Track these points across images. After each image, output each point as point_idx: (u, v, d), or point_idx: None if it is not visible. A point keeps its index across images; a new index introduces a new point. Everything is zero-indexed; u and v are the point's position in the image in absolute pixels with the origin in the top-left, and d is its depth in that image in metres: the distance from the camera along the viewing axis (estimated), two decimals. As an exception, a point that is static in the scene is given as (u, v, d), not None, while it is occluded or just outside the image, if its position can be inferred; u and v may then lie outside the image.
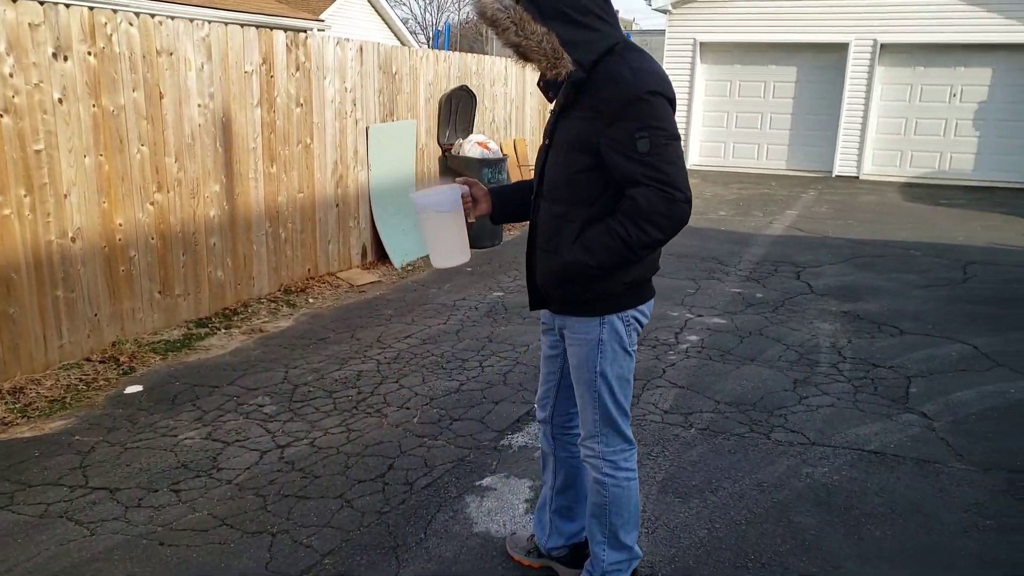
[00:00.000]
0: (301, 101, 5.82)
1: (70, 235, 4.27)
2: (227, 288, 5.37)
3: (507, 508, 3.03)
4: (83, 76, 4.25)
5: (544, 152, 2.19)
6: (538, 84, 2.20)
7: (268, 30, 5.49)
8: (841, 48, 13.46)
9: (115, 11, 4.47)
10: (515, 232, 8.39)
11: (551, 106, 2.26)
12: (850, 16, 13.25)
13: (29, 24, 3.95)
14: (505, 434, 3.64)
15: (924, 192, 12.30)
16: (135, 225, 4.66)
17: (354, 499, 3.08)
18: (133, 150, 4.58)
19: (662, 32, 16.95)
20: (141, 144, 4.63)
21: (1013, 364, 4.58)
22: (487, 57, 8.69)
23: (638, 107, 1.95)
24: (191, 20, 4.91)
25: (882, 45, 13.30)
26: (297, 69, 5.73)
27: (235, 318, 5.31)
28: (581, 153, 2.05)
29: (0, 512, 2.97)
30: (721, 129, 14.80)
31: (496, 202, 2.40)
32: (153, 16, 4.67)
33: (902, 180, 13.64)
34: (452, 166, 7.74)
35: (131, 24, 4.50)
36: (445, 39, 17.27)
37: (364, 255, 6.82)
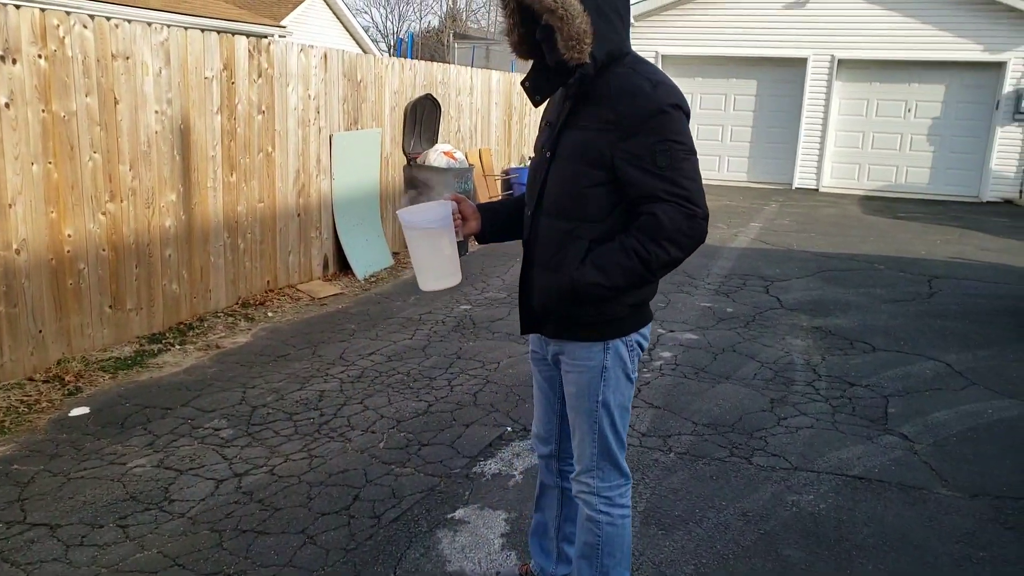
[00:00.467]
0: (263, 108, 5.60)
1: (14, 247, 4.00)
2: (182, 302, 5.12)
3: (482, 544, 2.86)
4: (33, 80, 4.00)
5: (545, 165, 2.04)
6: (523, 83, 2.05)
7: (230, 35, 5.27)
8: (800, 63, 13.62)
9: (68, 13, 4.22)
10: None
11: (537, 116, 2.12)
12: (809, 32, 13.41)
13: (-31, 22, 3.69)
14: (477, 460, 3.47)
15: (882, 205, 12.48)
16: (85, 236, 4.40)
17: (317, 534, 2.88)
18: (85, 157, 4.33)
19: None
20: (93, 151, 4.38)
21: (986, 383, 4.57)
22: (453, 66, 8.55)
23: (658, 120, 1.85)
24: (149, 24, 4.68)
25: (839, 61, 13.49)
26: (260, 76, 5.52)
27: (190, 333, 5.06)
28: (591, 167, 1.92)
29: (-72, 553, 2.71)
30: (684, 141, 14.85)
31: (486, 219, 2.24)
32: (109, 19, 4.43)
33: (860, 193, 13.84)
34: (417, 175, 7.56)
35: (85, 27, 4.25)
36: (408, 48, 17.07)
37: (326, 266, 6.60)
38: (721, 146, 14.56)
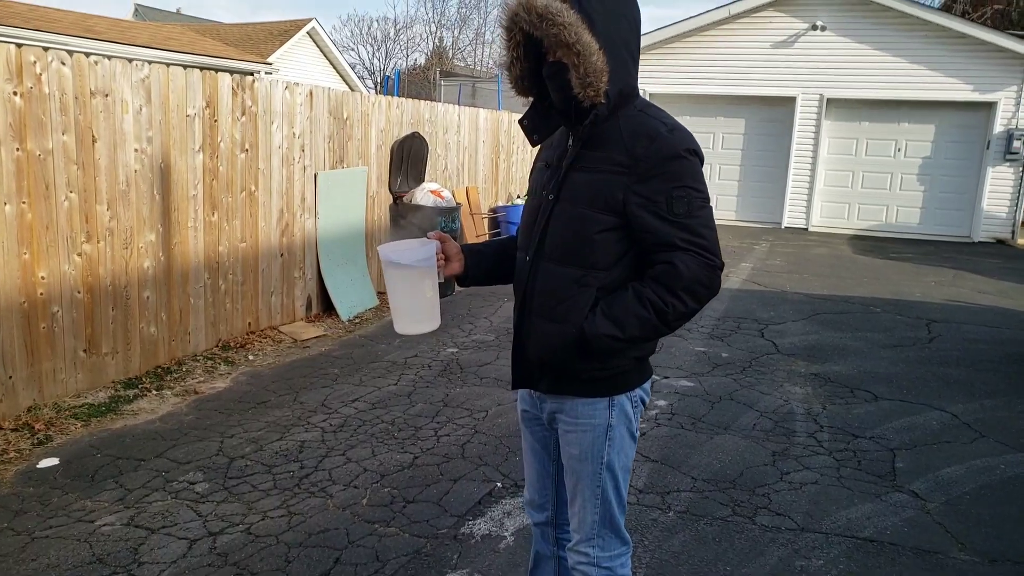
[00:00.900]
0: (247, 147, 5.46)
1: (-22, 290, 3.81)
2: (160, 345, 4.91)
3: (472, 615, 2.66)
4: (7, 118, 3.85)
5: (547, 208, 1.89)
6: (520, 122, 1.92)
7: (213, 72, 5.15)
8: (789, 102, 13.67)
9: (46, 49, 4.08)
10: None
11: (531, 154, 1.98)
12: (797, 71, 13.49)
13: (-61, 57, 3.54)
14: (466, 520, 3.27)
15: (873, 245, 12.43)
16: (60, 278, 4.21)
17: (295, 605, 2.67)
18: (60, 197, 4.16)
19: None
20: (70, 191, 4.21)
21: (996, 435, 4.41)
22: (440, 104, 8.47)
23: (676, 165, 1.74)
24: (130, 60, 4.54)
25: (828, 100, 13.56)
26: (243, 113, 5.38)
27: (168, 377, 4.85)
28: (601, 211, 1.79)
29: None
30: (673, 179, 14.85)
31: (471, 261, 2.09)
32: (88, 55, 4.29)
33: (850, 232, 13.81)
34: (404, 215, 7.42)
35: (63, 63, 4.11)
36: (395, 85, 17.08)
37: (309, 307, 6.42)
38: (709, 184, 14.40)
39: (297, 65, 20.34)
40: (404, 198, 7.43)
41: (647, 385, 1.97)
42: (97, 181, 4.36)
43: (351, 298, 6.71)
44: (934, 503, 3.57)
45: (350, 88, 22.07)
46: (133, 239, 4.64)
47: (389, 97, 7.41)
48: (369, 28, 48.84)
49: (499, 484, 3.59)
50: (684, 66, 14.03)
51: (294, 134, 5.94)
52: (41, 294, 4.13)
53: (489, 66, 35.38)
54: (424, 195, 7.28)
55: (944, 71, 13.08)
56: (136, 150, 4.58)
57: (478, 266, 2.10)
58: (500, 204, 9.80)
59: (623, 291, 1.79)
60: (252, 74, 6.23)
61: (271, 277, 5.88)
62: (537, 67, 1.83)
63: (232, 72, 5.47)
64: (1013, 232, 13.36)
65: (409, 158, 7.57)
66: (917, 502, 3.57)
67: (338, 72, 22.86)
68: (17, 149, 3.91)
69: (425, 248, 1.94)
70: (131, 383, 4.69)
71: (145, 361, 4.82)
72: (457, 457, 3.88)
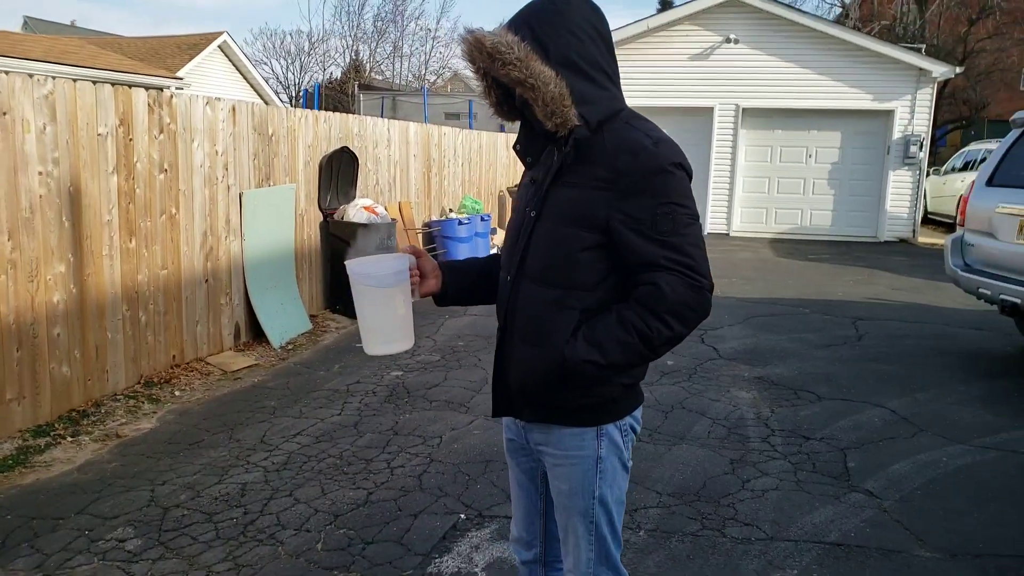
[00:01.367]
0: (166, 167, 5.13)
1: None
2: (74, 386, 4.53)
3: (450, 662, 2.48)
4: None
5: (529, 226, 1.76)
6: (514, 147, 1.83)
7: (126, 88, 4.81)
8: (707, 112, 14.00)
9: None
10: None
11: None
12: (714, 82, 13.82)
13: None
14: (432, 558, 3.09)
15: (791, 247, 12.81)
16: (-44, 317, 3.82)
17: (254, 667, 2.44)
18: (-47, 227, 3.78)
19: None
20: (-36, 220, 3.83)
21: (934, 428, 4.51)
22: (369, 118, 8.25)
23: (661, 180, 1.62)
24: (30, 75, 4.18)
25: (744, 109, 13.95)
26: (161, 131, 5.06)
27: (85, 421, 4.47)
28: (582, 229, 1.67)
29: None
30: (596, 189, 15.00)
31: (449, 279, 1.95)
32: (-19, 69, 3.93)
33: (769, 236, 14.22)
34: (336, 232, 7.16)
35: (-48, 78, 3.74)
36: (315, 99, 16.67)
37: (237, 335, 6.09)
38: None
39: (209, 80, 19.65)
40: (335, 215, 7.17)
41: (638, 413, 1.86)
42: (-1, 209, 3.99)
43: (282, 323, 6.40)
44: (889, 501, 3.60)
45: (265, 102, 21.48)
46: (39, 271, 4.26)
47: (316, 111, 7.15)
48: (282, 41, 47.78)
49: (463, 516, 3.41)
50: (602, 78, 14.18)
51: (216, 152, 5.63)
52: (-61, 336, 3.73)
53: (408, 79, 35.13)
54: (357, 211, 7.04)
55: (847, 81, 13.66)
56: (41, 173, 4.22)
57: (457, 284, 1.96)
58: (434, 219, 9.61)
59: (606, 314, 1.68)
60: (162, 89, 5.83)
61: (196, 305, 5.54)
62: (511, 91, 1.72)
63: (141, 87, 5.12)
64: (914, 231, 14.03)
65: (339, 174, 7.32)
66: (873, 501, 3.59)
67: (252, 86, 22.23)
68: (-94, 177, 3.53)
69: (397, 262, 1.80)
70: (42, 430, 4.28)
71: (57, 405, 4.42)
72: (415, 490, 3.68)
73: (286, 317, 6.52)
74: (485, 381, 5.36)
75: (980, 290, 5.74)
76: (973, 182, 6.23)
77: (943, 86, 19.51)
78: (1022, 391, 5.27)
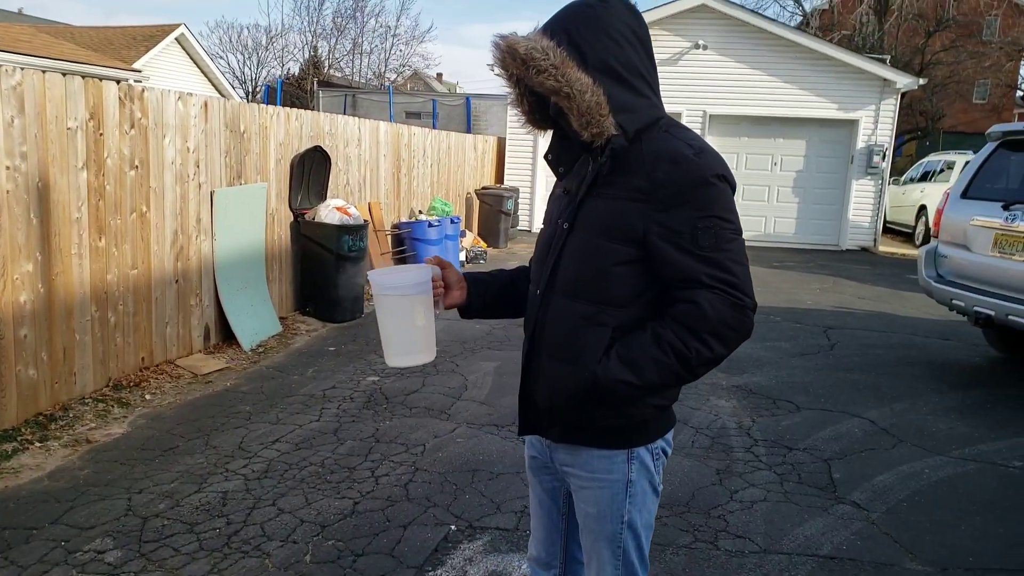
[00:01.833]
0: (136, 163, 4.95)
1: None
2: (41, 389, 4.34)
3: None
4: None
5: (561, 239, 1.71)
6: (545, 157, 1.76)
7: (97, 80, 4.63)
8: (674, 117, 14.06)
9: None
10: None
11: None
12: (682, 88, 13.93)
13: None
14: (425, 571, 3.01)
15: (757, 255, 12.94)
16: (-84, 318, 3.62)
17: None
18: (-85, 223, 3.58)
19: (500, 97, 17.10)
20: (-73, 215, 3.64)
21: (912, 439, 4.58)
22: (341, 117, 8.10)
23: (703, 192, 1.55)
24: (-2, 64, 4.00)
25: (711, 116, 14.10)
26: (132, 126, 4.88)
27: (53, 426, 4.28)
28: (618, 242, 1.60)
29: None
30: (564, 192, 15.02)
31: (475, 291, 1.90)
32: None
33: (734, 243, 14.36)
34: (307, 233, 7.02)
35: (-84, 65, 3.55)
36: (277, 95, 16.36)
37: (207, 337, 5.92)
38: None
39: (166, 72, 19.18)
40: (307, 215, 7.02)
41: (670, 435, 1.80)
42: (-36, 205, 3.80)
43: (253, 325, 6.25)
44: (876, 513, 3.63)
45: (223, 96, 21.07)
46: (6, 270, 4.07)
47: (288, 109, 7.00)
48: (239, 35, 46.93)
49: (453, 527, 3.34)
50: (572, 81, 14.19)
51: (188, 149, 5.46)
52: (-103, 337, 3.54)
53: (368, 77, 34.77)
54: (329, 212, 6.91)
55: (813, 90, 13.90)
56: (8, 168, 4.03)
57: (482, 296, 1.91)
58: (404, 220, 9.49)
59: (641, 332, 1.61)
60: (119, 81, 5.58)
61: (166, 306, 5.37)
62: (544, 99, 1.66)
63: (110, 80, 4.93)
64: (875, 240, 14.33)
65: (310, 173, 7.18)
66: (861, 513, 3.62)
67: (210, 80, 21.76)
68: None
69: (419, 273, 1.76)
70: (8, 435, 4.09)
71: (24, 408, 4.23)
72: (402, 499, 3.60)
73: (257, 319, 6.36)
74: (464, 387, 5.30)
75: (953, 301, 5.86)
76: (947, 194, 6.35)
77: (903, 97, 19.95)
78: (995, 402, 5.39)
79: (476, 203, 12.52)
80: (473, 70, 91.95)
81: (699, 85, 13.86)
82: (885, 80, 13.69)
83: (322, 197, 7.36)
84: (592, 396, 1.63)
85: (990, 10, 26.21)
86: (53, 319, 4.38)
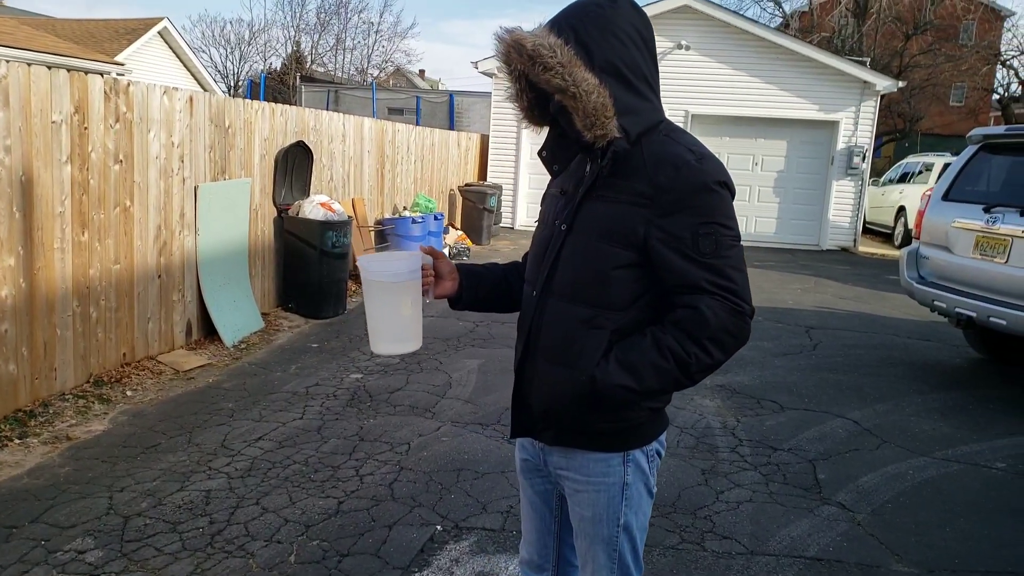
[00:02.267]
0: (121, 158, 4.88)
1: None
2: (21, 384, 4.27)
3: None
4: None
5: (559, 240, 1.70)
6: (539, 153, 1.75)
7: (83, 74, 4.56)
8: (660, 117, 14.12)
9: None
10: (360, 297, 7.69)
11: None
12: (665, 87, 13.82)
13: None
14: (411, 572, 3.00)
15: (739, 254, 13.02)
16: None
17: None
18: None
19: (483, 94, 17.07)
20: (-96, 208, 3.56)
21: (896, 440, 4.63)
22: (325, 112, 8.05)
23: (704, 198, 1.56)
24: (-21, 55, 3.92)
25: (693, 115, 14.14)
26: (117, 120, 4.81)
27: (32, 422, 4.22)
28: (617, 245, 1.60)
29: None
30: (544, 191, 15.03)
31: (467, 283, 1.89)
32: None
33: (716, 242, 14.43)
34: (290, 229, 6.96)
35: None
36: (261, 89, 16.22)
37: (189, 333, 5.85)
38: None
39: (148, 66, 18.96)
40: (290, 211, 6.97)
41: (663, 437, 1.81)
42: (-57, 197, 3.73)
43: (235, 321, 6.19)
44: (861, 514, 3.66)
45: (204, 91, 20.89)
46: (-14, 264, 4.01)
47: (273, 104, 6.93)
48: (222, 29, 46.43)
49: (439, 527, 3.33)
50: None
51: (173, 143, 5.39)
52: None
53: (351, 73, 34.57)
54: (313, 208, 6.86)
55: (794, 91, 14.00)
56: (-10, 161, 3.97)
57: (474, 289, 1.90)
58: (387, 216, 9.45)
59: (640, 336, 1.61)
60: (102, 74, 5.48)
61: (148, 301, 5.30)
62: (545, 96, 1.64)
63: (95, 74, 4.86)
64: (855, 240, 14.46)
65: (294, 169, 7.12)
66: (846, 514, 3.65)
67: (192, 74, 21.54)
68: None
69: (410, 260, 1.76)
70: (-14, 431, 4.04)
71: (3, 405, 4.16)
72: (387, 499, 3.58)
73: (239, 315, 6.31)
74: (448, 385, 5.28)
75: (935, 303, 5.92)
76: (928, 195, 6.42)
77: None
78: (977, 403, 5.45)
79: (459, 200, 12.49)
80: (455, 67, 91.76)
81: (681, 85, 13.90)
82: (865, 82, 13.82)
83: (305, 193, 7.30)
84: (590, 400, 1.63)
85: (967, 15, 26.54)
86: (34, 314, 4.32)
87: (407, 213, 9.75)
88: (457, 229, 12.22)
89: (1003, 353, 6.55)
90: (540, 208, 1.90)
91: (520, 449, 1.93)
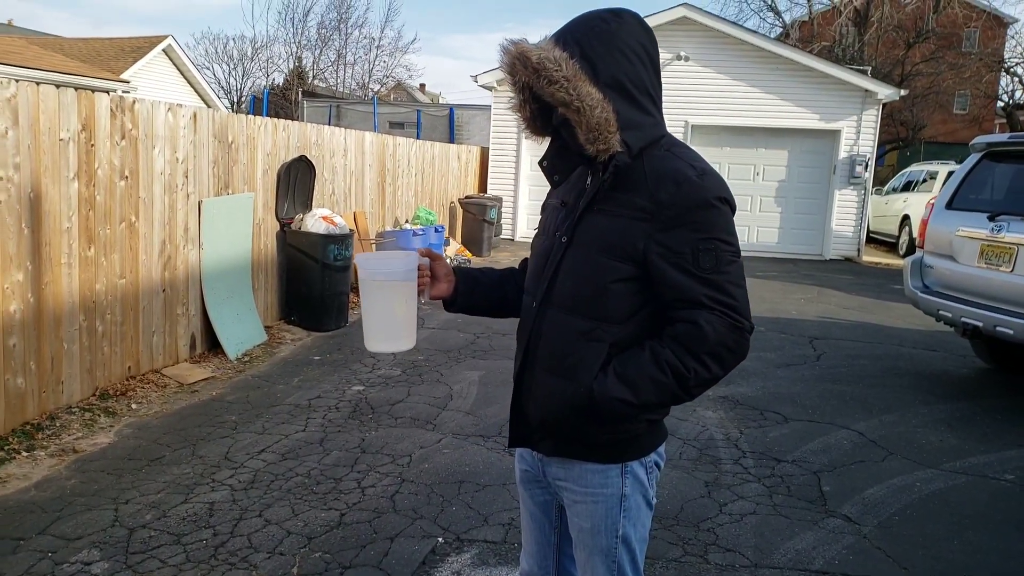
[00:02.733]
0: (126, 174, 4.93)
1: None
2: (29, 398, 4.30)
3: None
4: None
5: (559, 252, 1.71)
6: (540, 163, 1.75)
7: (90, 92, 4.61)
8: (661, 129, 14.16)
9: None
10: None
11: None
12: (664, 99, 13.79)
13: None
14: (416, 584, 3.01)
15: (742, 265, 13.03)
16: (-100, 328, 3.58)
17: None
18: (-99, 232, 3.55)
19: (483, 107, 17.15)
20: (-87, 224, 3.60)
21: (902, 452, 4.61)
22: (327, 127, 8.10)
23: (705, 214, 1.57)
24: (-11, 75, 3.97)
25: (693, 126, 14.18)
26: (123, 137, 4.86)
27: (39, 435, 4.24)
28: (617, 259, 1.62)
29: None
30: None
31: (464, 286, 1.92)
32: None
33: (719, 253, 14.44)
34: (292, 242, 7.00)
35: (-97, 74, 3.52)
36: (264, 105, 16.32)
37: (193, 346, 5.88)
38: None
39: (153, 83, 19.11)
40: (293, 224, 7.01)
41: (662, 448, 1.82)
42: (-49, 214, 3.77)
43: (238, 334, 6.22)
44: (867, 527, 3.65)
45: (208, 107, 20.99)
46: (-6, 279, 4.04)
47: (275, 120, 6.99)
48: (225, 46, 46.70)
49: (441, 540, 3.34)
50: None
51: (177, 159, 5.44)
52: None
53: (352, 87, 34.72)
54: (315, 221, 6.90)
55: (795, 101, 14.03)
56: (1, 178, 4.00)
57: (470, 292, 1.93)
58: (388, 229, 9.48)
59: (638, 350, 1.62)
60: (108, 92, 5.56)
61: (153, 315, 5.34)
62: (548, 107, 1.66)
63: (102, 92, 4.91)
64: (858, 250, 14.46)
65: (296, 183, 7.17)
66: (852, 527, 3.64)
67: (196, 91, 21.69)
68: None
69: (407, 260, 1.80)
70: (-7, 444, 4.06)
71: (11, 418, 4.19)
72: (388, 511, 3.59)
73: (242, 328, 6.33)
74: (449, 397, 5.30)
75: (940, 312, 5.91)
76: (932, 204, 6.41)
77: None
78: (984, 414, 5.43)
79: (460, 212, 12.53)
80: (455, 80, 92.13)
81: (681, 96, 13.93)
82: (866, 91, 13.85)
83: (308, 207, 7.34)
84: (587, 412, 1.64)
85: (969, 22, 26.60)
86: (42, 328, 4.35)
87: (408, 226, 9.78)
88: (457, 241, 12.26)
89: (1010, 363, 6.53)
90: (540, 219, 1.91)
91: (520, 460, 1.94)
